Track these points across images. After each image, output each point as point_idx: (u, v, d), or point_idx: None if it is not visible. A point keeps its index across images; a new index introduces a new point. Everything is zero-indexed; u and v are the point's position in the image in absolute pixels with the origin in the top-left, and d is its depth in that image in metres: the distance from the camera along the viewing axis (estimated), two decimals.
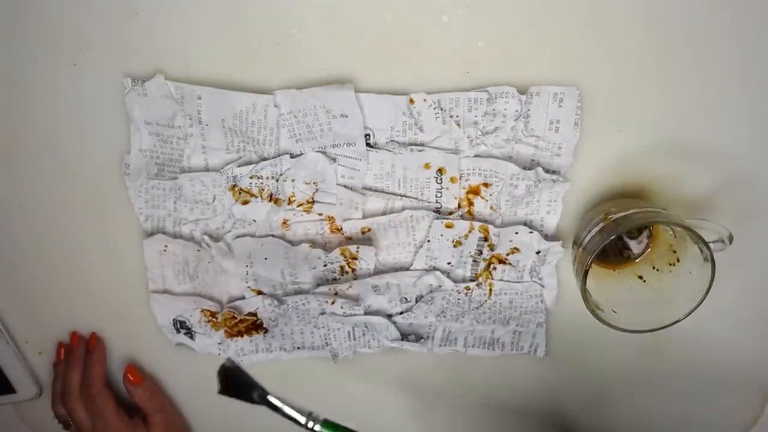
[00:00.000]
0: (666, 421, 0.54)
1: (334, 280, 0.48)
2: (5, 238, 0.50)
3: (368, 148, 0.43)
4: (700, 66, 0.40)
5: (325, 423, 0.36)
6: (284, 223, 0.46)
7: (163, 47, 0.42)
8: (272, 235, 0.47)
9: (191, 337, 0.51)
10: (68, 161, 0.46)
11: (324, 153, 0.44)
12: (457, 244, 0.46)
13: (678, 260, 0.43)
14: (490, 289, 0.48)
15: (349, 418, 0.56)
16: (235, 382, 0.38)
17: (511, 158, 0.43)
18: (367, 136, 0.43)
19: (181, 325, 0.51)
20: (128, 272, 0.50)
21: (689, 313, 0.40)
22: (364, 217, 0.46)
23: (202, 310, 0.50)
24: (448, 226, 0.45)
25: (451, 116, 0.42)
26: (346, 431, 0.36)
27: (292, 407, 0.36)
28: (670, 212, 0.42)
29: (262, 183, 0.45)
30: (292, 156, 0.44)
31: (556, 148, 0.42)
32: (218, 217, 0.46)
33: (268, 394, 0.37)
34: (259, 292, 0.49)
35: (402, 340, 0.50)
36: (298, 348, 0.52)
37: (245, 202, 0.46)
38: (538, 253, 0.45)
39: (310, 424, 0.36)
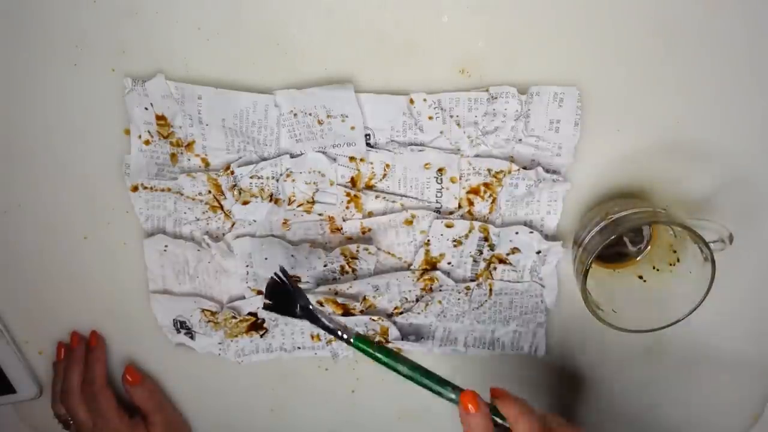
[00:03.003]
0: (666, 421, 0.54)
1: (334, 280, 0.48)
2: (5, 238, 0.50)
3: (368, 148, 0.43)
4: (700, 66, 0.40)
5: (358, 337, 0.41)
6: (284, 223, 0.46)
7: (163, 47, 0.42)
8: (272, 235, 0.47)
9: (191, 337, 0.51)
10: (68, 161, 0.46)
11: (324, 153, 0.44)
12: (458, 243, 0.46)
13: (678, 260, 0.43)
14: (491, 289, 0.48)
15: (349, 418, 0.56)
16: (280, 298, 0.42)
17: (512, 158, 0.43)
18: (367, 136, 0.43)
19: (181, 325, 0.51)
20: (128, 272, 0.50)
21: (689, 313, 0.40)
22: (364, 217, 0.46)
23: (203, 310, 0.50)
24: (449, 226, 0.45)
25: (451, 116, 0.42)
26: (378, 348, 0.41)
27: (330, 320, 0.41)
28: (670, 212, 0.42)
29: (262, 183, 0.45)
30: (292, 156, 0.44)
31: (556, 148, 0.42)
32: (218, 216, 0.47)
33: (310, 305, 0.42)
34: (259, 292, 0.49)
35: (402, 340, 0.50)
36: (298, 348, 0.52)
37: (245, 202, 0.46)
38: (538, 253, 0.45)
39: (345, 336, 0.41)
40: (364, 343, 0.41)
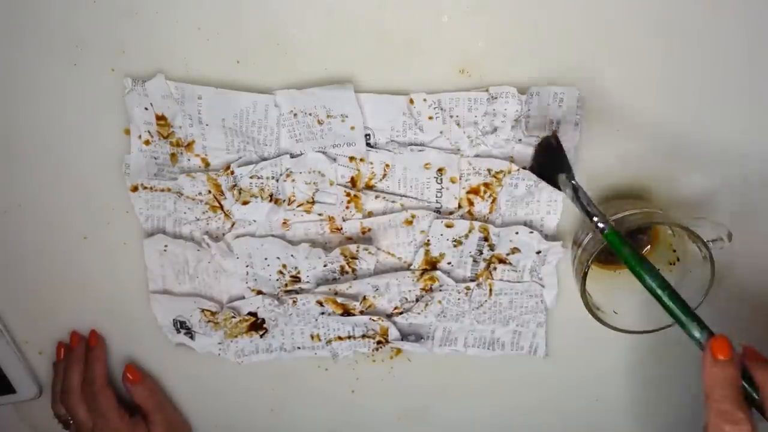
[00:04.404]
0: (667, 422, 0.54)
1: (334, 280, 0.48)
2: (5, 238, 0.50)
3: (368, 148, 0.43)
4: (700, 66, 0.40)
5: (613, 231, 0.36)
6: (284, 223, 0.46)
7: (163, 47, 0.42)
8: (272, 235, 0.47)
9: (191, 337, 0.52)
10: (68, 161, 0.46)
11: (324, 153, 0.44)
12: (458, 243, 0.46)
13: (678, 260, 0.43)
14: (490, 289, 0.48)
15: (349, 418, 0.56)
16: (550, 160, 0.39)
17: (512, 158, 0.43)
18: (367, 136, 0.43)
19: (181, 325, 0.51)
20: (128, 272, 0.50)
21: None
22: (364, 217, 0.46)
23: (202, 310, 0.50)
24: (448, 226, 0.45)
25: (451, 116, 0.42)
26: (630, 251, 0.36)
27: (590, 203, 0.37)
28: (668, 212, 0.42)
29: (262, 183, 0.45)
30: (292, 156, 0.44)
31: None
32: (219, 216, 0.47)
33: (574, 179, 0.38)
34: (259, 292, 0.49)
35: (402, 340, 0.50)
36: (298, 348, 0.52)
37: (245, 202, 0.46)
38: (538, 253, 0.46)
39: (600, 225, 0.37)
40: (615, 239, 0.36)
